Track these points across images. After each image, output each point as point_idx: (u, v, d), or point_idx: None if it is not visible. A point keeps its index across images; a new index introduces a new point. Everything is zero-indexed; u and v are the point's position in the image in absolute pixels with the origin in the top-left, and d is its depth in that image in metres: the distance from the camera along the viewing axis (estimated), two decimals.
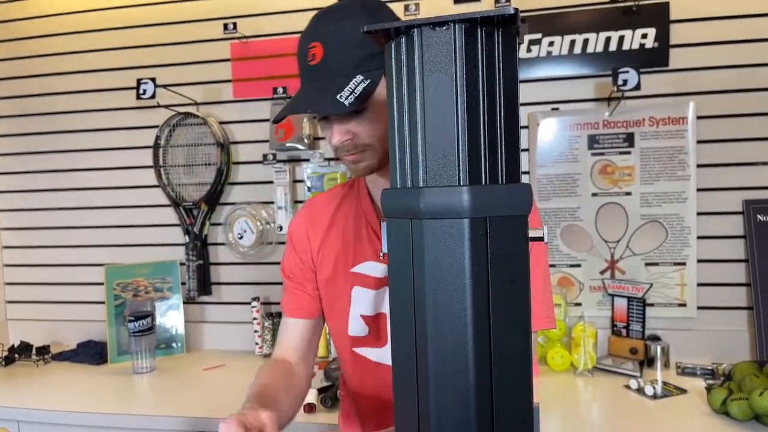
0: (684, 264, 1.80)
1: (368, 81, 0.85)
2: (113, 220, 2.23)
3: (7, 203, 2.33)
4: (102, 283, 2.13)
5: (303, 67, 0.90)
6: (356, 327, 1.05)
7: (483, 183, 0.48)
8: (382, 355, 1.04)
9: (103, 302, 2.14)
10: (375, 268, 1.02)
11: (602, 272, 1.85)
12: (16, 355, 2.07)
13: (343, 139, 0.91)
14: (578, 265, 1.86)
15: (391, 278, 0.53)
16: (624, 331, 1.80)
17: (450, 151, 0.48)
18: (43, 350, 2.07)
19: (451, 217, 0.47)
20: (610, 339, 1.83)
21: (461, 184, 0.48)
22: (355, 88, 0.84)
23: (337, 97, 0.83)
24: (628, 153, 1.81)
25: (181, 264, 2.14)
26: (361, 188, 1.07)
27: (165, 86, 2.05)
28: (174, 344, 2.12)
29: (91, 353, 2.10)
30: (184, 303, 2.16)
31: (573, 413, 1.49)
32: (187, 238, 2.12)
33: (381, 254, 0.94)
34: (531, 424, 0.50)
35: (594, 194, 1.83)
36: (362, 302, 1.03)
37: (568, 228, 1.86)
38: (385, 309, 1.02)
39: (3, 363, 2.04)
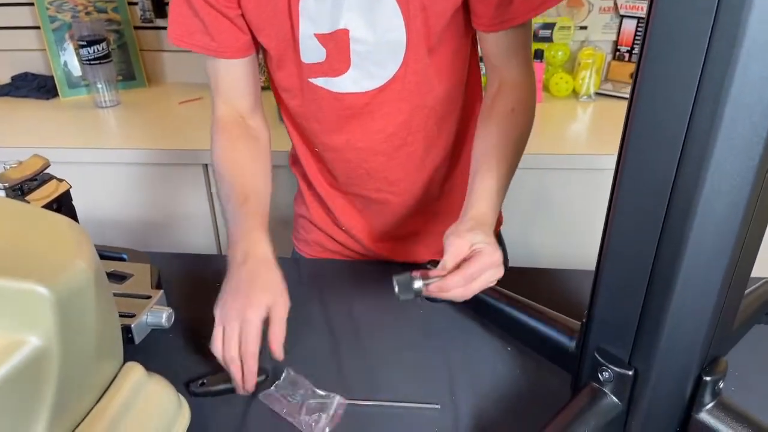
0: None
1: None
2: None
3: None
4: (31, 3, 1.76)
5: None
6: (310, 51, 0.79)
7: None
8: (342, 84, 0.81)
9: (36, 27, 1.81)
10: None
11: None
12: None
13: None
14: None
15: None
16: (627, 56, 1.73)
17: None
18: None
19: None
20: (611, 64, 1.76)
21: None
22: None
23: None
24: None
25: None
26: None
27: None
28: (134, 76, 1.88)
29: (35, 87, 1.83)
30: (136, 28, 1.86)
31: (575, 136, 1.50)
32: None
33: None
34: None
35: None
36: (313, 16, 0.76)
37: None
38: (346, 23, 0.75)
39: None
